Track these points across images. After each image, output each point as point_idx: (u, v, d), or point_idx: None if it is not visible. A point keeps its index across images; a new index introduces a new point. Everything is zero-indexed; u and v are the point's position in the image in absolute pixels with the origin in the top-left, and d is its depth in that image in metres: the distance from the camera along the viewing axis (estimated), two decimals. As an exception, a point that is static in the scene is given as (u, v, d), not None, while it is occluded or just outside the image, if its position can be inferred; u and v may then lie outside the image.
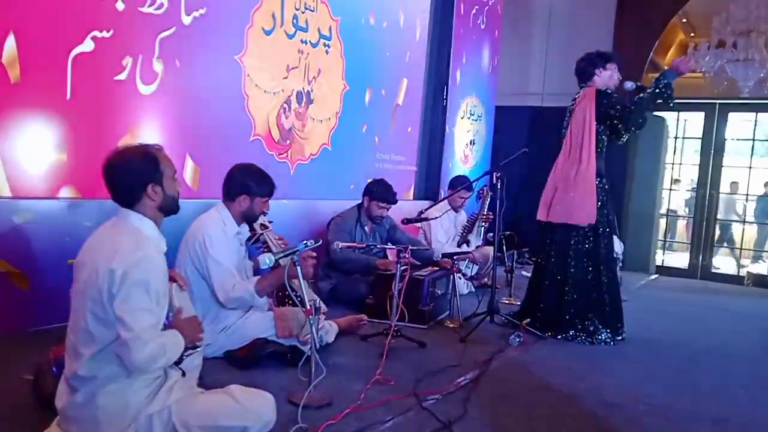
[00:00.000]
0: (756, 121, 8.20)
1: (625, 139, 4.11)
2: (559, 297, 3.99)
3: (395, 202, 4.64)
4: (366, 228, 4.61)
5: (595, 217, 3.92)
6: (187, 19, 3.95)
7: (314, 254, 3.18)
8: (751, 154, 8.35)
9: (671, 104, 3.93)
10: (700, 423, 2.70)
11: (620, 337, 3.98)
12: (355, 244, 4.07)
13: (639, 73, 7.71)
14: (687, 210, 10.11)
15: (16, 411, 2.27)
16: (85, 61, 3.38)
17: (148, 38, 3.71)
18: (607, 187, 4.03)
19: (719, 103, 8.14)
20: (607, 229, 4.01)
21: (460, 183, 5.43)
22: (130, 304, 1.80)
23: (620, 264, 5.70)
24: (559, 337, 3.92)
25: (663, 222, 8.82)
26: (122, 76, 3.59)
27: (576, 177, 3.94)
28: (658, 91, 3.86)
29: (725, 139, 8.20)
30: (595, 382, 3.15)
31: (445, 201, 5.32)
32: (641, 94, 3.92)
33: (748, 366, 3.73)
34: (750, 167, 8.39)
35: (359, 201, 4.72)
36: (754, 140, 8.31)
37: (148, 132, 3.76)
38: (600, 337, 3.90)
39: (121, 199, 1.96)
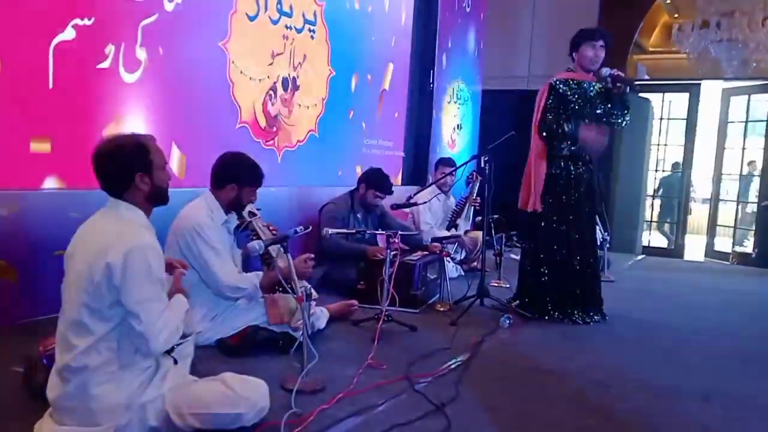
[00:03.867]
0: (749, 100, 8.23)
1: (621, 125, 4.09)
2: (538, 280, 4.04)
3: (391, 192, 4.66)
4: (359, 215, 4.61)
5: (538, 205, 3.95)
6: (169, 6, 3.89)
7: (313, 263, 3.16)
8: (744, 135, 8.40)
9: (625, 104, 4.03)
10: (688, 399, 2.74)
11: (594, 320, 3.99)
12: (345, 231, 4.06)
13: (624, 54, 7.74)
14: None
15: (7, 403, 2.26)
16: (66, 49, 3.32)
17: (130, 26, 3.66)
18: (582, 171, 4.02)
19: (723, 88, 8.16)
20: (581, 213, 4.01)
21: (443, 165, 5.58)
22: (139, 296, 1.82)
23: (607, 246, 5.76)
24: (546, 318, 3.96)
25: (649, 203, 8.90)
26: (105, 65, 3.53)
27: (528, 165, 4.02)
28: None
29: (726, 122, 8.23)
30: (584, 362, 3.18)
31: (434, 185, 5.35)
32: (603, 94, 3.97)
33: (734, 342, 3.79)
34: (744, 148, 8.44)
35: (347, 187, 4.71)
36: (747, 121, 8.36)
37: (133, 121, 3.72)
38: (575, 317, 3.94)
39: (110, 188, 1.94)
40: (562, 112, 3.95)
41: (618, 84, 3.89)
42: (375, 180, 4.57)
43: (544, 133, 3.94)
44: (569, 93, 3.96)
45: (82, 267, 1.84)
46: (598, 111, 4.01)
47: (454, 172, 5.41)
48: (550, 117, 3.94)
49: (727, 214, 8.62)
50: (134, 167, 1.93)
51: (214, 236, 2.92)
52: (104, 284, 1.80)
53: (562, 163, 3.98)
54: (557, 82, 3.98)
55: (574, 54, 4.04)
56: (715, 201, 8.62)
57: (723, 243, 8.54)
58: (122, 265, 1.79)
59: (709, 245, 8.49)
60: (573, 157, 3.99)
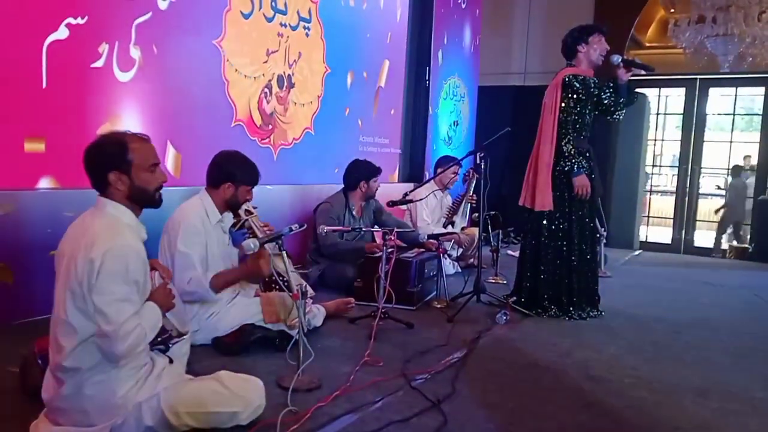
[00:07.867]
0: (736, 95, 8.26)
1: (618, 117, 4.13)
2: (536, 276, 4.04)
3: (381, 169, 4.71)
4: (354, 212, 4.62)
5: (550, 205, 3.93)
6: (163, 4, 3.88)
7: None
8: (732, 129, 8.43)
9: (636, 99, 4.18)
10: (684, 393, 2.74)
11: (591, 315, 4.00)
12: (341, 228, 4.07)
13: (620, 49, 7.72)
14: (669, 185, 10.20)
15: (3, 403, 2.26)
16: (60, 49, 3.31)
17: (124, 24, 3.65)
18: (585, 167, 3.99)
19: (699, 79, 8.20)
20: (582, 210, 4.01)
21: (447, 162, 5.52)
22: (109, 295, 1.79)
23: (604, 241, 5.76)
24: (543, 314, 3.97)
25: (647, 198, 8.90)
26: (99, 64, 3.53)
27: (539, 163, 3.97)
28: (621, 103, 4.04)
29: (706, 114, 8.27)
30: (581, 357, 3.19)
31: (432, 181, 5.34)
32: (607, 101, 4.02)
33: (729, 337, 3.79)
34: (731, 141, 8.48)
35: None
36: (734, 114, 8.39)
37: (127, 120, 3.71)
38: (572, 313, 3.95)
39: (93, 185, 1.94)
40: (573, 106, 3.94)
41: (631, 68, 3.96)
42: (364, 171, 4.61)
43: (570, 129, 3.92)
44: (580, 88, 3.94)
45: (67, 266, 1.83)
46: (606, 101, 4.01)
47: (456, 167, 5.39)
48: (575, 115, 3.94)
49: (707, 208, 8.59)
50: (106, 166, 1.90)
51: (194, 239, 2.88)
52: (85, 282, 1.78)
53: (565, 160, 3.96)
54: (570, 78, 3.94)
55: (579, 46, 3.98)
56: (693, 195, 8.56)
57: (703, 238, 8.50)
58: (99, 263, 1.77)
59: (688, 241, 8.44)
60: (577, 152, 3.97)
